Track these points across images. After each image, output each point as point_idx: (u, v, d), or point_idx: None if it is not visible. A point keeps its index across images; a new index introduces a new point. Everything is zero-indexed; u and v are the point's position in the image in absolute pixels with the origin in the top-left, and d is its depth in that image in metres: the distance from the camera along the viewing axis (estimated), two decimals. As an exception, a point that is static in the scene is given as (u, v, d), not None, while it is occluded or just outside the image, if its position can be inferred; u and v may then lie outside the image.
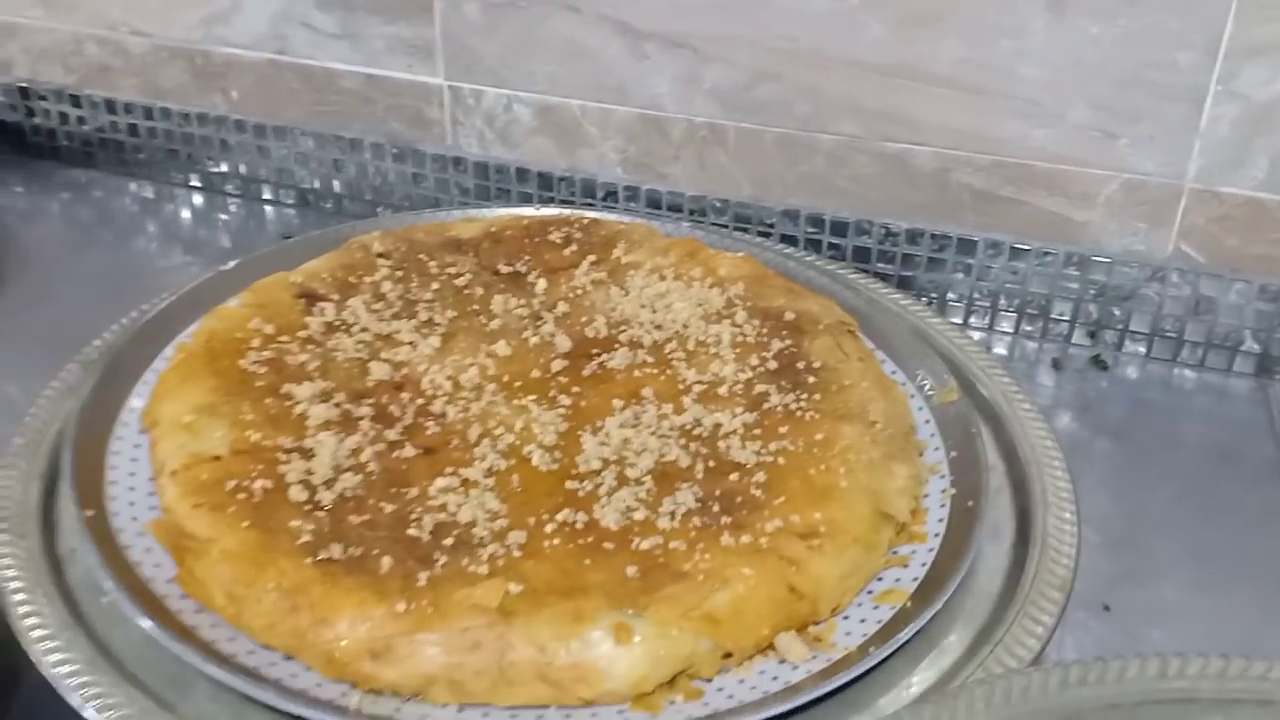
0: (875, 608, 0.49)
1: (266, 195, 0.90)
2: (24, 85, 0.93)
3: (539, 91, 0.79)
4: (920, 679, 0.46)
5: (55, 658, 0.45)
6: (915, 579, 0.50)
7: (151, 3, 0.87)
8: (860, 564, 0.50)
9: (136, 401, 0.58)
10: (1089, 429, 0.67)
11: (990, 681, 0.43)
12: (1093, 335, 0.72)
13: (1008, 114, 0.70)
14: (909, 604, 0.48)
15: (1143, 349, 0.71)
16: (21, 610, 0.47)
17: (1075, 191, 0.70)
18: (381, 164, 0.85)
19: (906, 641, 0.46)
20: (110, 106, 0.91)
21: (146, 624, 0.45)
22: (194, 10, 0.86)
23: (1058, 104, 0.68)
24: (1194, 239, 0.69)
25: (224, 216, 0.90)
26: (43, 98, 0.92)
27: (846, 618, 0.48)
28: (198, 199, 0.91)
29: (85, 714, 0.44)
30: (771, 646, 0.47)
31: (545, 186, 0.81)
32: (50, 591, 0.48)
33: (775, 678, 0.46)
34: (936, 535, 0.52)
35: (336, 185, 0.87)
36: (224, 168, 0.90)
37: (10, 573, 0.49)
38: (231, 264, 0.68)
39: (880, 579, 0.50)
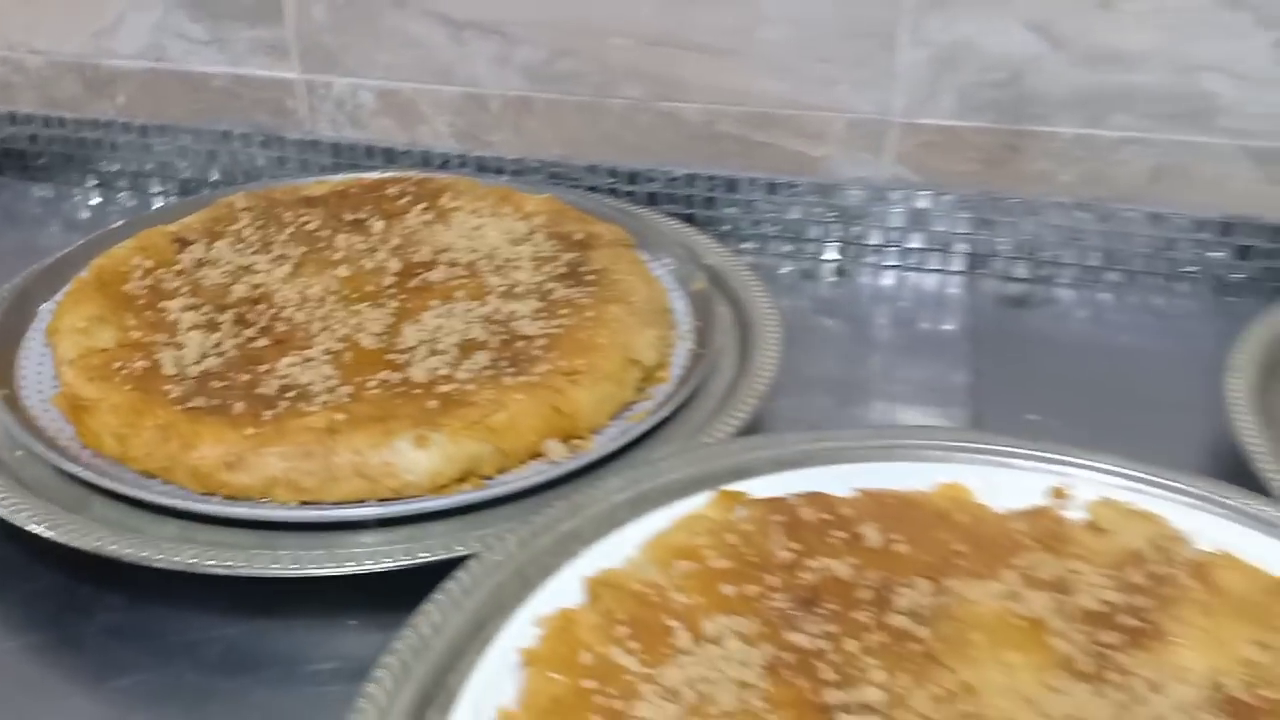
0: (625, 427, 0.64)
1: (154, 188, 1.03)
2: (-69, 104, 1.06)
3: (379, 79, 0.94)
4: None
5: (-20, 486, 0.59)
6: (658, 405, 0.65)
7: (46, 23, 1.00)
8: (612, 394, 0.64)
9: (40, 322, 0.72)
10: (832, 321, 0.82)
11: (689, 449, 0.58)
12: (840, 250, 0.88)
13: (754, 71, 0.86)
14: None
15: (876, 258, 0.87)
16: (-48, 462, 0.61)
17: (811, 131, 0.86)
18: (250, 150, 0.99)
19: (639, 439, 0.61)
20: (12, 118, 1.04)
21: (52, 457, 0.59)
22: (84, 28, 1.00)
23: (792, 60, 0.84)
24: (906, 163, 0.85)
25: (117, 210, 1.03)
26: (-50, 114, 1.05)
27: (601, 434, 0.63)
28: (94, 197, 1.04)
29: (9, 519, 0.57)
30: (540, 452, 0.61)
31: (390, 160, 0.96)
32: (-26, 451, 0.62)
33: (541, 471, 0.60)
34: (677, 378, 0.67)
35: (213, 174, 1.01)
36: (116, 166, 1.04)
37: (-59, 437, 0.62)
38: (119, 222, 0.81)
39: (632, 410, 0.65)
